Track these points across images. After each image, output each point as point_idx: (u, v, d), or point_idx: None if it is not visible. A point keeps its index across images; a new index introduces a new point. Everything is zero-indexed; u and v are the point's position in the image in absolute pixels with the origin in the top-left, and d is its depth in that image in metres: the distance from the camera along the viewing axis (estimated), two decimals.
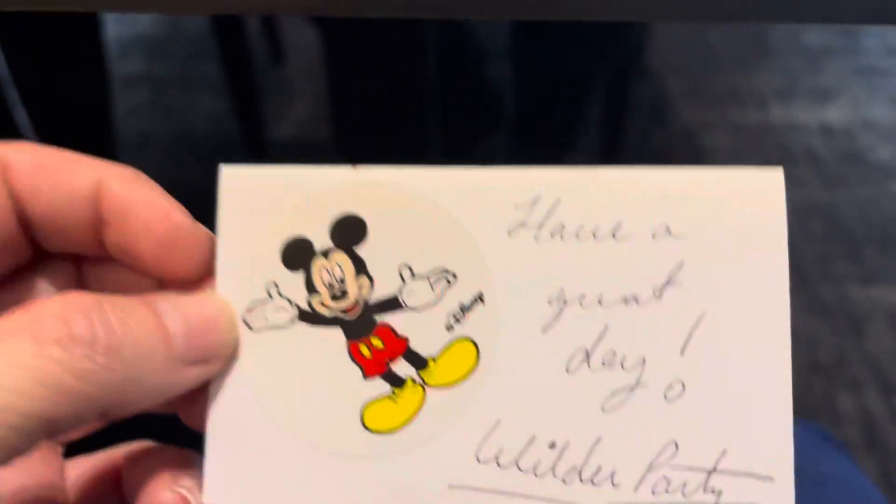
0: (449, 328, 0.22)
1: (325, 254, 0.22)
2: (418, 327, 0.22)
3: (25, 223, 0.21)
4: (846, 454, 0.31)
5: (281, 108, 1.45)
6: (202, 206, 0.23)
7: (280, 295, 0.22)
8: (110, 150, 0.98)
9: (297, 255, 0.22)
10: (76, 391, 0.17)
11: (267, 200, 0.22)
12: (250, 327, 0.22)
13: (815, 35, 1.60)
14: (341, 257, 0.22)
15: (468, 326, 0.22)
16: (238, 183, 0.22)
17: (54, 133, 0.93)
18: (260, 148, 1.17)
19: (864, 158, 1.32)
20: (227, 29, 1.10)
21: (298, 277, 0.22)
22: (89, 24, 0.93)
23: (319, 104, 1.45)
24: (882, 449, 0.91)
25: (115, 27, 1.60)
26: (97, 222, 0.21)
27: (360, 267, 0.22)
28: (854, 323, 1.05)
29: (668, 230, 0.22)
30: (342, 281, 0.22)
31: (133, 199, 0.21)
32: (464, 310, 0.22)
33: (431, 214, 0.22)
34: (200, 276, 0.22)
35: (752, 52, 1.61)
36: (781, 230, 0.22)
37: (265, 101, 1.45)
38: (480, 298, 0.22)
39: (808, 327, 1.04)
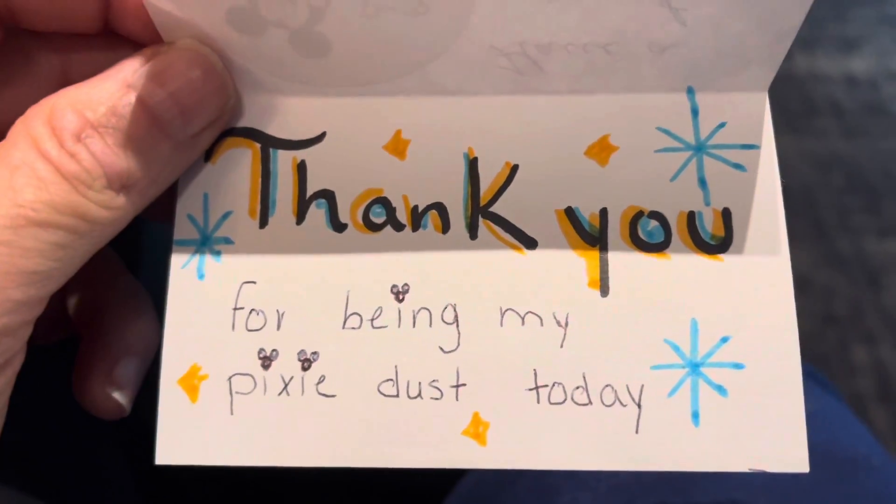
0: None
1: None
2: None
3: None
4: (832, 392, 0.30)
5: None
6: None
7: None
8: None
9: None
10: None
11: None
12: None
13: None
14: None
15: None
16: None
17: None
18: None
19: (888, 110, 1.29)
20: None
21: None
22: None
23: None
24: (895, 401, 0.91)
25: None
26: None
27: None
28: (871, 275, 1.04)
29: None
30: None
31: None
32: None
33: None
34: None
35: None
36: None
37: None
38: None
39: (825, 278, 1.04)
